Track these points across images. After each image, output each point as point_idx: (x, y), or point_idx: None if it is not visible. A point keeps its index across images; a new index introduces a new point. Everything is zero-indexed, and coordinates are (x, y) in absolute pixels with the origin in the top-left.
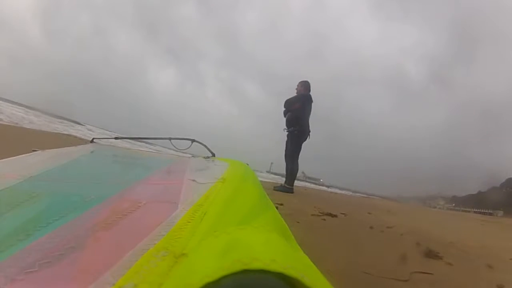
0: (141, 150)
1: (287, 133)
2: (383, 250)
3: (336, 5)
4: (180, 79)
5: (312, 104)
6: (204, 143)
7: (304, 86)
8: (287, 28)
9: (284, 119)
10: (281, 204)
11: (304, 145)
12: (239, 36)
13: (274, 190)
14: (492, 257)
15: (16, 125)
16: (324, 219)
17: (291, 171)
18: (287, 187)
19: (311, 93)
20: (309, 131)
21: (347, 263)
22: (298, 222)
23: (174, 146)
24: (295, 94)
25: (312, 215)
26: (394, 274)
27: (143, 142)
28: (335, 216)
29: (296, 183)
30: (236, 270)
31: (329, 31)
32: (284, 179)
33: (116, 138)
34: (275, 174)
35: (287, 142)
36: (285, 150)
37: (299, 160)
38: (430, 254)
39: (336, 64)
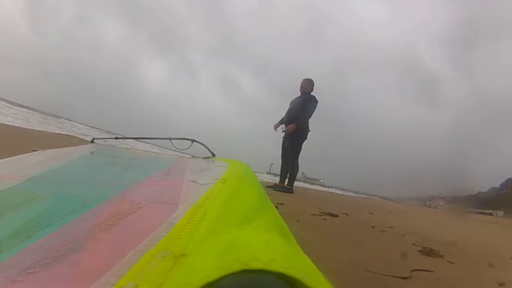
0: (141, 151)
1: (285, 133)
2: (384, 249)
3: None
4: (175, 75)
5: (318, 104)
6: (204, 143)
7: (308, 85)
8: (286, 14)
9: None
10: (281, 204)
11: (303, 145)
12: (235, 27)
13: (274, 190)
14: (493, 256)
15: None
16: (325, 219)
17: (291, 171)
18: (287, 188)
19: (314, 92)
20: (309, 130)
21: (348, 261)
22: (298, 221)
23: (174, 146)
24: (299, 92)
25: (313, 214)
26: (395, 271)
27: (143, 142)
28: (336, 216)
29: (296, 183)
30: (236, 270)
31: (331, 14)
32: (278, 178)
33: (116, 138)
34: (275, 175)
35: (285, 141)
36: (283, 149)
37: (298, 161)
38: (431, 253)
39: (337, 57)
